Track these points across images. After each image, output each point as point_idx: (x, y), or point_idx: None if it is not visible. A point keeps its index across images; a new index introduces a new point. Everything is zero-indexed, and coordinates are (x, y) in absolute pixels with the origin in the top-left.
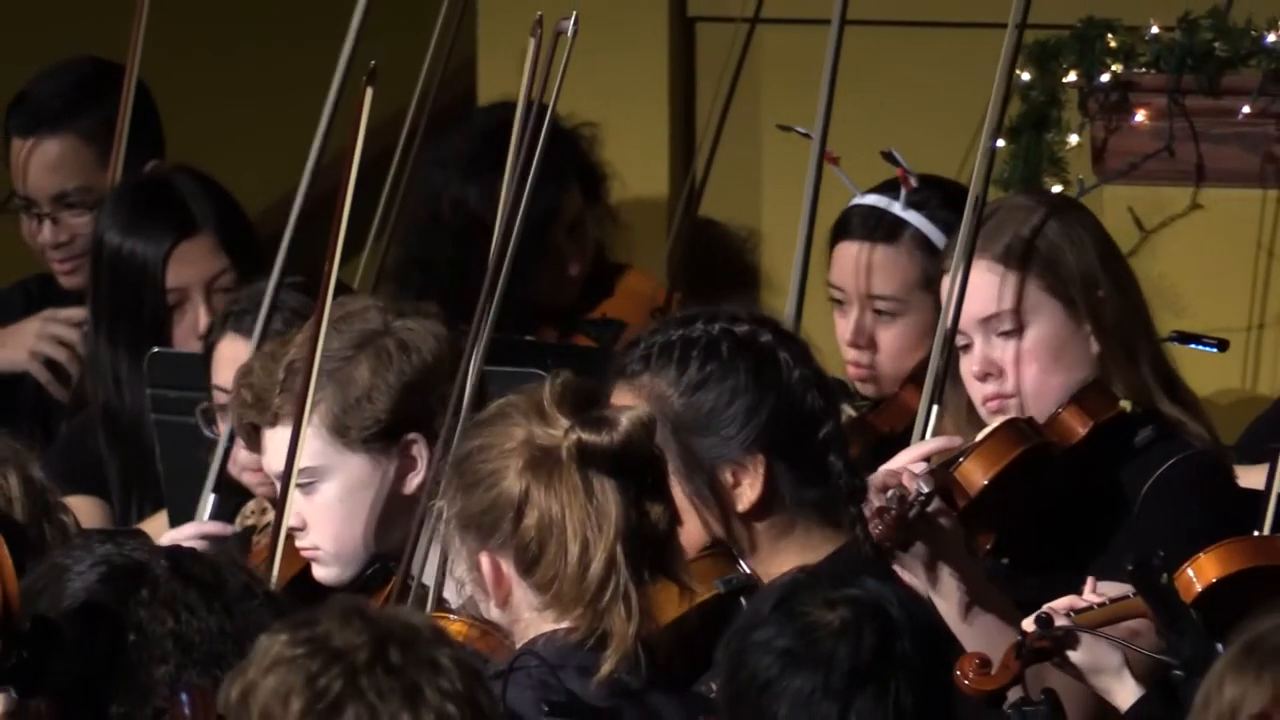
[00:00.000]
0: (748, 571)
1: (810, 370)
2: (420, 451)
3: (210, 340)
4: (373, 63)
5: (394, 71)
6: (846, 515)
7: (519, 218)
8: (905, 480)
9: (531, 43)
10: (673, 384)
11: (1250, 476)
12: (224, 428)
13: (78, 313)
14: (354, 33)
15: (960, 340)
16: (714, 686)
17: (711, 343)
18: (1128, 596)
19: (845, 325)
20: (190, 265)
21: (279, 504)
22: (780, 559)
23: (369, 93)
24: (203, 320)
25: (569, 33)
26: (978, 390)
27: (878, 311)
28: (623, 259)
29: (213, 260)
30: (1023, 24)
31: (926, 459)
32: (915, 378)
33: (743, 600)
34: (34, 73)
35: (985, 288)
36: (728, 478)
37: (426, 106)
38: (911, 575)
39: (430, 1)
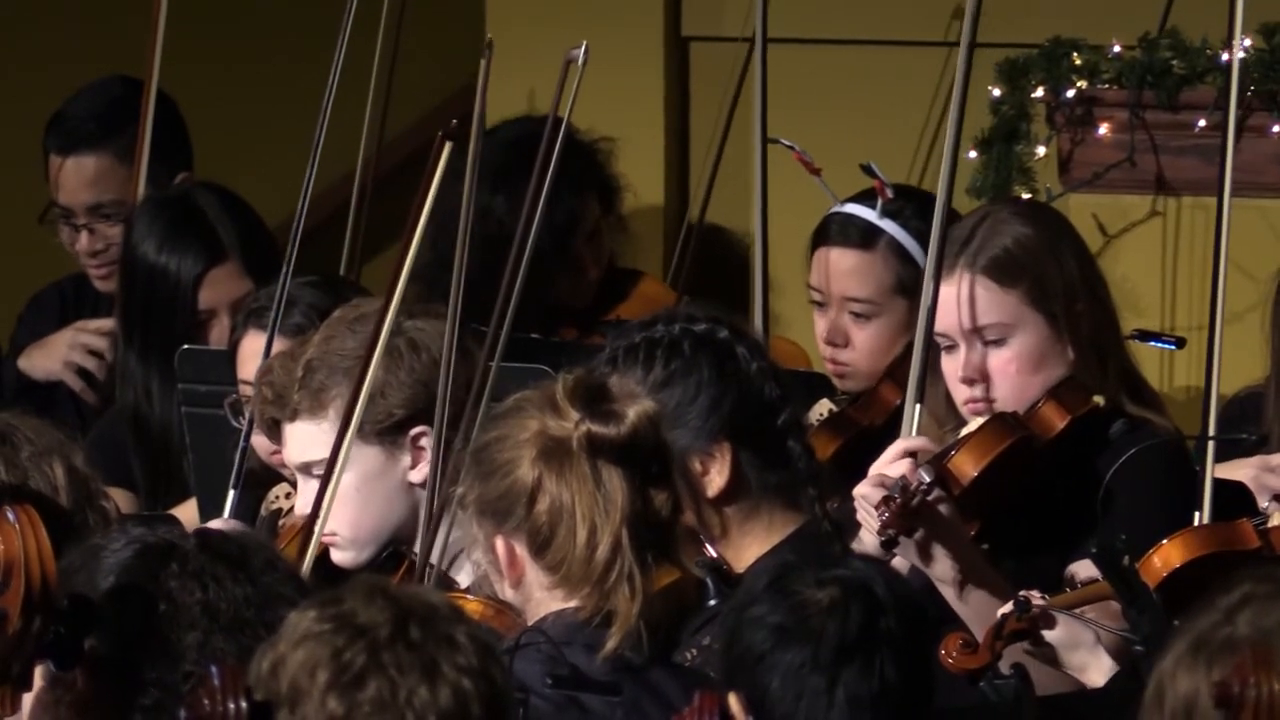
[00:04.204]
0: (714, 555)
1: (766, 362)
2: (429, 444)
3: (235, 337)
4: (454, 121)
5: (405, 83)
6: (805, 496)
7: (534, 228)
8: (907, 471)
9: (482, 64)
10: (640, 383)
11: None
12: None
13: (106, 323)
14: (341, 47)
15: (945, 342)
16: (688, 657)
17: (673, 342)
18: (1098, 579)
19: (824, 325)
20: (218, 290)
21: (317, 499)
22: (747, 540)
23: (447, 147)
24: (227, 336)
25: (579, 61)
26: (960, 392)
27: (854, 313)
28: (624, 264)
29: (238, 284)
30: (972, 43)
31: (913, 455)
32: (891, 374)
33: (708, 582)
34: (52, 75)
35: (974, 300)
36: (697, 466)
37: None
38: (909, 559)
39: (438, 16)
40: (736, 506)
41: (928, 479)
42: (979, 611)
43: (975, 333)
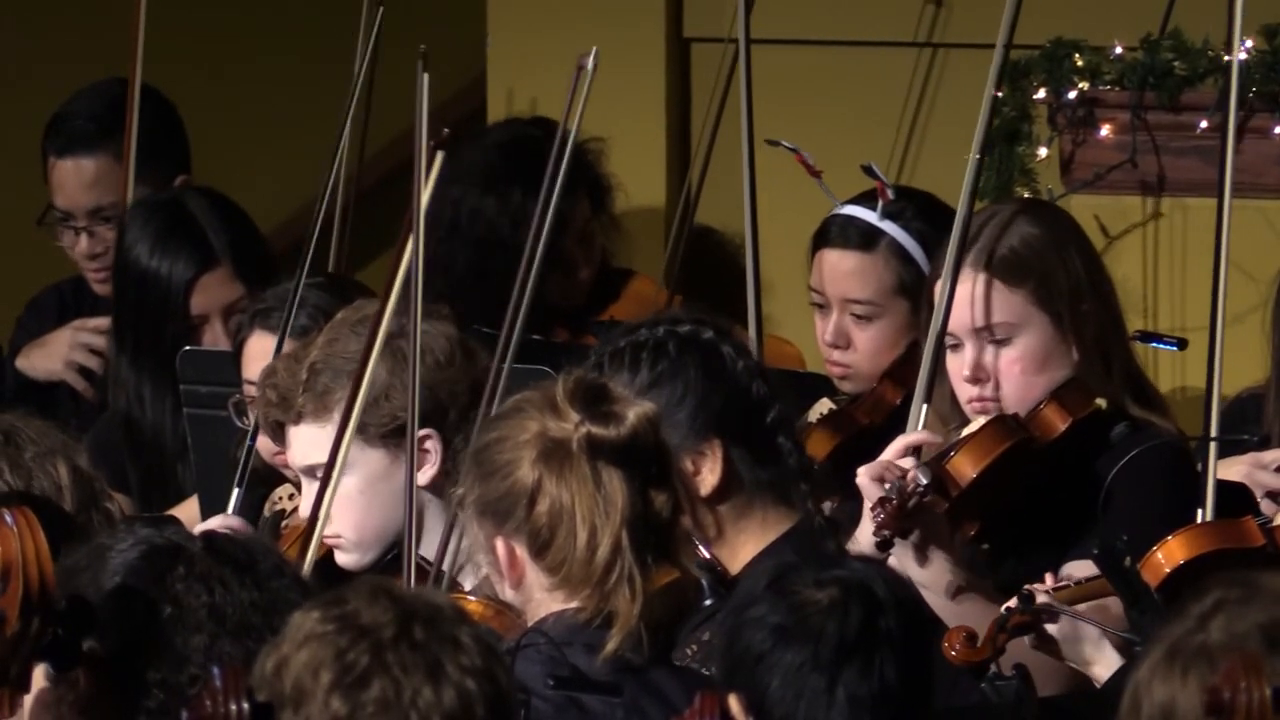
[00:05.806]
0: (707, 556)
1: (752, 360)
2: (433, 446)
3: (240, 338)
4: (445, 130)
5: (403, 82)
6: (798, 493)
7: (544, 235)
8: (907, 468)
9: (588, 70)
10: (627, 387)
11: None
12: (251, 422)
13: (105, 321)
14: (363, 50)
15: (950, 340)
16: (688, 653)
17: (659, 345)
18: (1094, 578)
19: (825, 327)
20: (209, 296)
21: (315, 501)
22: (742, 539)
23: (439, 156)
24: (220, 340)
25: (589, 67)
26: (964, 390)
27: (855, 315)
28: (624, 265)
29: (230, 290)
30: (1009, 44)
31: (916, 450)
32: (891, 374)
33: (704, 582)
34: (51, 76)
35: (981, 299)
36: (688, 466)
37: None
38: (903, 563)
39: (440, 17)
40: (730, 505)
41: (924, 481)
42: (969, 618)
43: (982, 331)
